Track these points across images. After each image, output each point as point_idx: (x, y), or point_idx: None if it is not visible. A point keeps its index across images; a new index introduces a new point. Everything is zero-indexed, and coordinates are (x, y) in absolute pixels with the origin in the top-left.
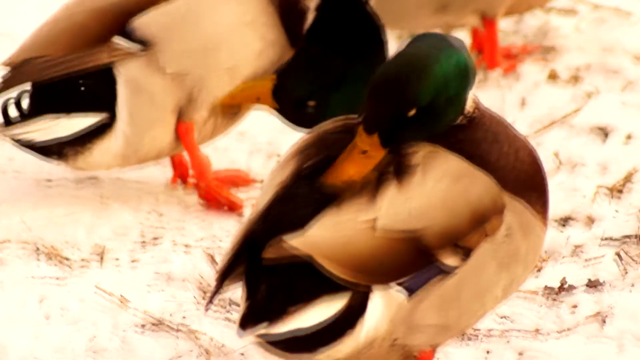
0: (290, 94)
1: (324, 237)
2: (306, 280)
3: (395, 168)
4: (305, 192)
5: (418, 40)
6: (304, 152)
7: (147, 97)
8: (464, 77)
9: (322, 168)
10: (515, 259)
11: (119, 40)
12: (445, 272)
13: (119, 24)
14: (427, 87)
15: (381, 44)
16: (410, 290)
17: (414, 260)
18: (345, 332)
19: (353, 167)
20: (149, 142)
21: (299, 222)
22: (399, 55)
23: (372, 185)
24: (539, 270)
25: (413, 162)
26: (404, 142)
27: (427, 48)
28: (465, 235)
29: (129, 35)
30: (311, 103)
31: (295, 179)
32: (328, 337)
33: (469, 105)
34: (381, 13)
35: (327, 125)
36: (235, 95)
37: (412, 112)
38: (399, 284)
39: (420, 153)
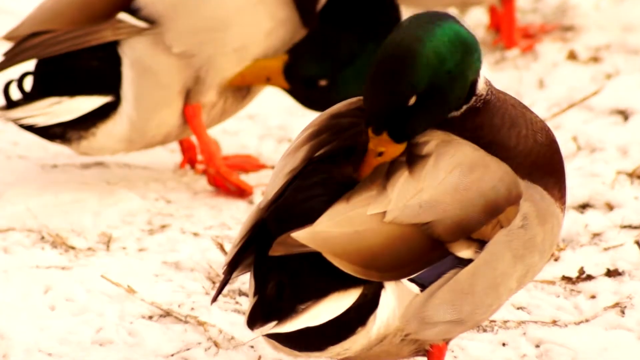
0: (301, 72)
1: (333, 232)
2: (316, 274)
3: (407, 158)
4: (318, 181)
5: (402, 26)
6: (316, 137)
7: (153, 78)
8: (462, 50)
9: (335, 155)
10: (531, 249)
11: (124, 17)
12: (459, 265)
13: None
14: (418, 72)
15: (396, 23)
16: (423, 285)
17: (427, 254)
18: (357, 328)
19: (370, 170)
20: (156, 125)
21: (311, 214)
22: (384, 46)
23: (383, 176)
24: (556, 260)
25: (425, 151)
26: (418, 131)
27: (410, 31)
28: (479, 227)
29: (135, 12)
30: (322, 82)
31: (307, 166)
32: (338, 334)
33: (481, 87)
34: None
35: (339, 107)
36: (245, 75)
37: (413, 101)
38: (411, 279)
39: (433, 142)
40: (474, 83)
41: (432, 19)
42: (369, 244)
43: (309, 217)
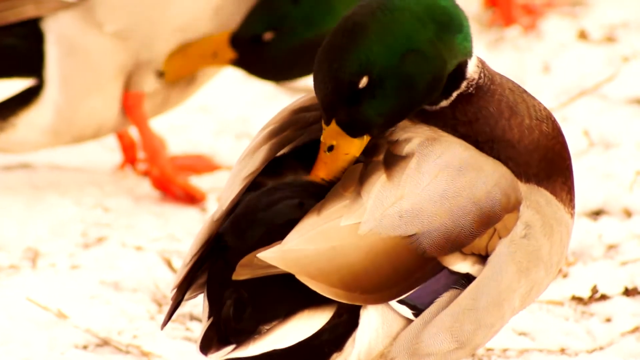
0: (244, 34)
1: (305, 250)
2: (282, 290)
3: (384, 158)
4: (282, 184)
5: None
6: (277, 134)
7: (82, 59)
8: (436, 25)
9: (301, 152)
10: (536, 262)
11: None
12: (456, 283)
13: None
14: (367, 47)
15: None
16: (415, 307)
17: (416, 270)
18: (332, 354)
19: (322, 168)
20: (86, 114)
21: (275, 222)
22: (338, 22)
23: (356, 181)
24: (564, 276)
25: (405, 151)
26: (380, 124)
27: (367, 2)
28: (472, 240)
29: None
30: (268, 35)
31: (268, 167)
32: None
33: (472, 70)
34: None
35: (302, 101)
36: (187, 52)
37: (364, 82)
38: (401, 301)
39: (415, 140)
40: (463, 65)
41: None
42: (348, 261)
43: (273, 226)
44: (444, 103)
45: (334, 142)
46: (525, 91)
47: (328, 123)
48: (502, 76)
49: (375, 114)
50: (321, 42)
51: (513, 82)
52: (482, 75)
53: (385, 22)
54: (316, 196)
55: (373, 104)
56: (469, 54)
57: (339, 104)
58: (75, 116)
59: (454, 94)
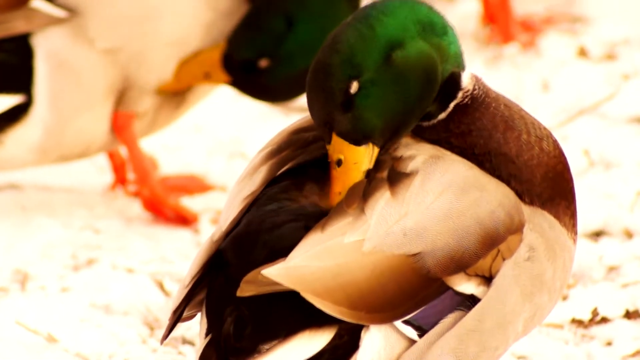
0: (238, 57)
1: (310, 266)
2: (283, 309)
3: (388, 175)
4: (284, 204)
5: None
6: (276, 154)
7: (72, 76)
8: (418, 26)
9: (302, 172)
10: (539, 287)
11: (39, 4)
12: (461, 304)
13: None
14: (352, 50)
15: None
16: (420, 327)
17: (421, 290)
18: None
19: (337, 184)
20: (75, 132)
21: (279, 243)
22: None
23: (360, 198)
24: (564, 298)
25: (410, 168)
26: (381, 129)
27: (345, 22)
28: (476, 260)
29: None
30: (263, 62)
31: (268, 188)
32: None
33: (466, 82)
34: None
35: (300, 122)
36: (180, 74)
37: (355, 87)
38: (406, 321)
39: (420, 158)
40: (456, 76)
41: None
42: (354, 279)
43: (277, 248)
44: (442, 115)
45: (341, 156)
46: (522, 109)
47: (329, 139)
48: (497, 92)
49: (373, 116)
50: None
51: (510, 100)
52: (476, 87)
53: (364, 29)
54: (320, 218)
55: (368, 104)
56: (461, 64)
57: (335, 113)
58: (63, 134)
59: (451, 105)
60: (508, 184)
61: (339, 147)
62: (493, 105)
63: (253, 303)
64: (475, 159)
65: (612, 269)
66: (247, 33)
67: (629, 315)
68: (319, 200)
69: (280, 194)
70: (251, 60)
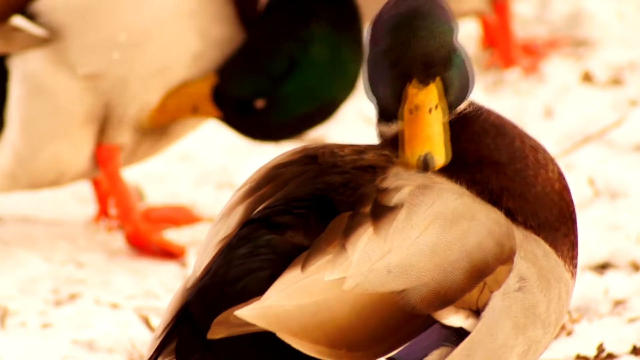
0: (232, 95)
1: (286, 305)
2: (256, 353)
3: (372, 210)
4: (256, 246)
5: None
6: (254, 192)
7: (48, 101)
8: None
9: (280, 211)
10: (532, 319)
11: (19, 23)
12: (448, 340)
13: (20, 1)
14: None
15: (351, 12)
16: None
17: (406, 325)
18: None
19: (427, 128)
20: (47, 160)
21: (250, 290)
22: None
23: (340, 234)
24: (569, 334)
25: (394, 201)
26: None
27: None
28: (462, 295)
29: (32, 18)
30: (259, 103)
31: (242, 229)
32: None
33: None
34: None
35: (282, 157)
36: (166, 106)
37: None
38: (389, 359)
39: (406, 189)
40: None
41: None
42: (332, 316)
43: (240, 301)
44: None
45: (436, 102)
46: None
47: (427, 83)
48: (490, 109)
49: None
50: (317, 113)
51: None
52: (469, 107)
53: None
54: (294, 258)
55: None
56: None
57: (447, 58)
58: (34, 161)
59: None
60: (500, 199)
61: (432, 94)
62: (484, 115)
63: (223, 348)
64: (466, 174)
65: (618, 303)
66: (243, 69)
67: (636, 351)
68: (294, 237)
69: (253, 234)
70: (246, 100)
